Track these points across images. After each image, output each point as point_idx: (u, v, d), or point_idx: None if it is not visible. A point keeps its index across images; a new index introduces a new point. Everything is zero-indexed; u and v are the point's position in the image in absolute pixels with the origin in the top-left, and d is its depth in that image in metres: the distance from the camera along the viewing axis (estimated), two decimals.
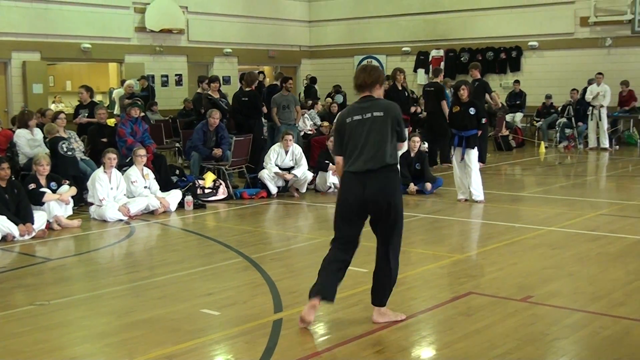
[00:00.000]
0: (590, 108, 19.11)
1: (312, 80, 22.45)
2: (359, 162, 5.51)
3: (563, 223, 9.54)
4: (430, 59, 23.81)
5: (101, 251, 8.80)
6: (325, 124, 16.50)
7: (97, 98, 20.23)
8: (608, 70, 19.69)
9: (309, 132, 16.36)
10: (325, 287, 5.54)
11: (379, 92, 5.70)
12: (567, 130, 19.89)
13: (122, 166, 11.22)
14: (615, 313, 5.82)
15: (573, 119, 19.73)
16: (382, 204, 5.51)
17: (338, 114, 5.77)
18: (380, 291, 5.70)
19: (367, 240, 8.64)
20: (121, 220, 10.23)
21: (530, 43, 22.10)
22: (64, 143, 11.33)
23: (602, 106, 19.00)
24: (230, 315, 5.98)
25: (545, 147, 19.23)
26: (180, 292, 6.67)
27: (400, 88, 13.74)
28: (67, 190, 10.15)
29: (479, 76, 15.65)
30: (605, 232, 8.99)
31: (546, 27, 21.76)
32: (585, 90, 19.63)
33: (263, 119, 14.99)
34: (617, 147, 19.52)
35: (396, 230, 5.64)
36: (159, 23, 21.22)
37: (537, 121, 21.00)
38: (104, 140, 12.41)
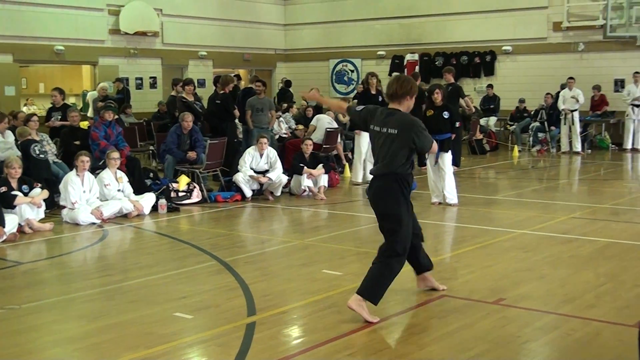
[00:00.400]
0: (563, 112, 19.29)
1: (287, 84, 22.44)
2: (374, 167, 6.04)
3: (535, 226, 9.62)
4: (405, 62, 23.91)
5: (73, 255, 8.73)
6: (300, 127, 16.51)
7: (71, 100, 20.12)
8: (580, 74, 19.91)
9: (284, 136, 16.35)
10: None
11: (408, 104, 5.93)
12: (540, 134, 20.06)
13: (95, 169, 11.15)
14: (585, 315, 5.87)
15: (546, 123, 19.90)
16: (375, 208, 5.95)
17: (376, 108, 6.03)
18: (365, 281, 5.81)
19: (340, 244, 8.68)
20: (94, 223, 10.15)
21: (504, 47, 22.28)
22: (36, 146, 11.24)
23: (574, 110, 19.18)
24: (203, 318, 5.96)
25: (519, 151, 19.38)
26: (153, 296, 6.63)
27: (374, 92, 13.77)
28: (39, 194, 10.06)
29: (452, 80, 15.74)
30: (576, 235, 9.07)
31: (520, 32, 21.95)
32: (558, 94, 19.83)
33: (238, 122, 14.96)
34: (589, 150, 19.72)
35: (391, 237, 5.81)
36: (133, 25, 21.11)
37: (511, 125, 21.17)
38: (77, 143, 12.33)
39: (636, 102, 19.08)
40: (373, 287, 5.77)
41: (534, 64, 21.79)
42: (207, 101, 14.87)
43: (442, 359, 5.01)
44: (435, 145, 6.13)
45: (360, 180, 13.75)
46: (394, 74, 6.06)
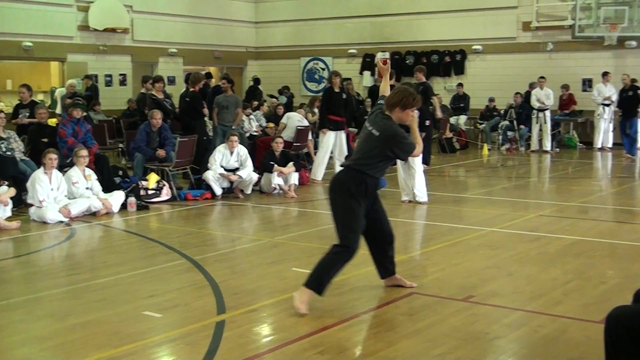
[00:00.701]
0: (535, 112, 19.46)
1: (256, 82, 22.35)
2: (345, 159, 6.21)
3: (504, 224, 9.69)
4: (376, 61, 23.97)
5: (41, 253, 8.63)
6: (271, 125, 16.47)
7: (39, 97, 19.88)
8: (549, 74, 20.10)
9: (255, 133, 16.31)
10: None
11: (398, 115, 6.04)
12: (510, 133, 20.22)
13: (63, 167, 11.03)
14: (553, 312, 5.93)
15: (515, 121, 20.07)
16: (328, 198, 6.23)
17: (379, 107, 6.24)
18: (313, 269, 5.95)
19: (309, 242, 8.68)
20: (62, 221, 10.05)
21: (474, 47, 22.42)
22: (2, 143, 11.12)
23: (546, 109, 19.37)
24: (172, 317, 5.93)
25: (488, 150, 19.52)
26: (121, 295, 6.58)
27: (337, 90, 13.85)
28: (6, 192, 9.95)
29: (424, 79, 15.77)
30: (544, 232, 9.15)
31: (490, 32, 22.11)
32: (528, 93, 20.02)
33: (208, 120, 14.90)
34: (558, 149, 19.92)
35: (337, 231, 6.04)
36: (102, 22, 20.93)
37: (481, 124, 21.31)
38: (45, 140, 12.19)
39: (606, 102, 19.29)
40: (317, 278, 5.90)
41: (503, 63, 21.97)
42: (179, 99, 14.80)
43: (411, 355, 5.03)
44: (419, 148, 6.20)
45: (320, 178, 13.79)
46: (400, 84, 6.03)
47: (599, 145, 19.56)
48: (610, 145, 19.61)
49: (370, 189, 6.06)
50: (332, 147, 13.85)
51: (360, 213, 6.02)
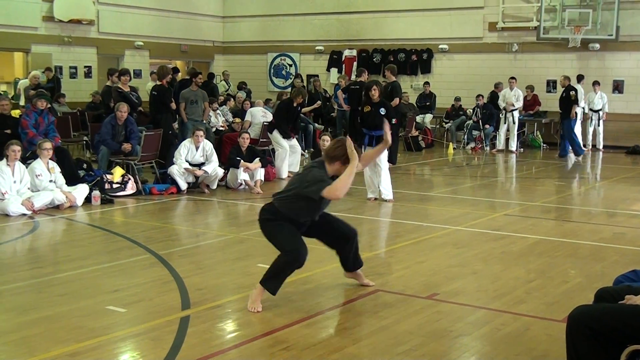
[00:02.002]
0: (504, 112, 19.63)
1: (210, 76, 22.04)
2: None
3: (469, 222, 9.77)
4: (343, 58, 24.02)
5: (2, 246, 8.50)
6: (237, 120, 16.41)
7: (2, 88, 19.63)
8: (514, 74, 20.27)
9: (221, 128, 16.25)
10: None
11: (334, 168, 5.98)
12: (475, 132, 20.38)
13: (26, 159, 10.88)
14: (516, 310, 5.99)
15: (480, 121, 20.23)
16: None
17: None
18: (268, 269, 6.04)
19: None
20: (24, 214, 9.92)
21: (440, 46, 22.56)
22: None
23: (515, 109, 19.58)
24: (136, 312, 5.89)
25: (454, 149, 19.65)
26: (85, 289, 6.52)
27: (295, 105, 14.16)
28: None
29: (393, 78, 15.87)
30: (508, 231, 9.25)
31: (456, 31, 22.28)
32: (493, 93, 20.20)
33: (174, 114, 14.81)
34: (522, 149, 20.13)
35: (275, 246, 6.20)
36: (68, 13, 20.70)
37: (446, 123, 21.46)
38: (8, 131, 12.00)
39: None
40: (270, 279, 5.95)
41: (469, 62, 22.15)
42: (148, 92, 14.70)
43: (376, 352, 5.05)
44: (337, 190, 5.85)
45: (285, 175, 13.82)
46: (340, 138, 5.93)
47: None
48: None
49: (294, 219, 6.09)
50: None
51: (289, 227, 6.06)
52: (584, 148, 18.84)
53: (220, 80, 23.39)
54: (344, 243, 6.44)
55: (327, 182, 5.83)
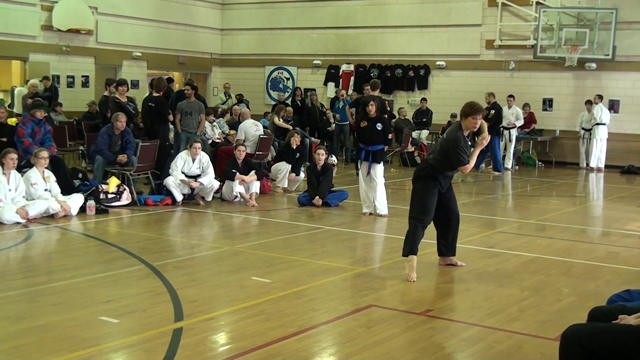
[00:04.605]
0: (502, 129, 19.68)
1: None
2: None
3: (463, 239, 9.74)
4: (340, 73, 24.08)
5: None
6: (233, 132, 16.43)
7: None
8: (511, 92, 20.38)
9: (217, 141, 16.26)
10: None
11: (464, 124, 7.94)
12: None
13: (21, 167, 10.88)
14: (509, 328, 6.00)
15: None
16: None
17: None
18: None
19: (270, 251, 8.67)
20: (19, 223, 9.90)
21: (438, 62, 22.66)
22: None
23: (513, 127, 19.66)
24: (129, 323, 5.88)
25: None
26: (78, 299, 6.50)
27: (294, 147, 14.05)
28: None
29: (373, 94, 15.83)
30: (502, 249, 9.26)
31: (454, 48, 22.38)
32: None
33: (171, 125, 14.81)
34: (517, 167, 20.18)
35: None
36: (66, 22, 20.73)
37: None
38: (4, 139, 12.01)
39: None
40: (405, 246, 7.69)
41: (466, 79, 22.22)
42: (142, 103, 14.69)
43: None
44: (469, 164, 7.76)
45: (285, 185, 13.85)
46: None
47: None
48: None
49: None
50: None
51: (426, 191, 7.67)
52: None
53: (218, 93, 23.36)
54: (451, 223, 7.93)
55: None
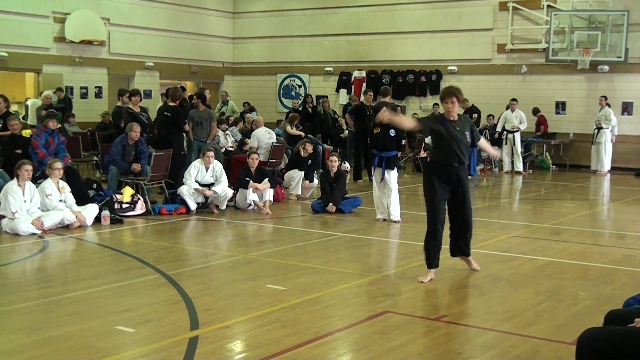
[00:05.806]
0: (505, 133, 19.68)
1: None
2: None
3: (477, 244, 9.72)
4: (352, 79, 24.11)
5: (12, 265, 8.54)
6: (248, 140, 16.45)
7: (13, 108, 19.73)
8: (523, 96, 20.37)
9: (230, 149, 16.29)
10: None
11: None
12: (484, 154, 20.36)
13: (36, 179, 10.94)
14: (525, 332, 5.97)
15: (489, 142, 20.20)
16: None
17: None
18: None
19: (284, 259, 8.68)
20: (34, 234, 9.96)
21: (449, 67, 22.64)
22: None
23: (516, 131, 19.61)
24: (145, 332, 5.89)
25: None
26: (94, 309, 6.53)
27: (304, 155, 14.08)
28: None
29: (382, 99, 15.84)
30: (517, 253, 9.23)
31: (465, 53, 22.36)
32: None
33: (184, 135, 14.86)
34: (531, 171, 20.13)
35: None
36: (79, 34, 20.87)
37: None
38: (18, 151, 12.08)
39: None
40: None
41: (478, 84, 22.17)
42: (157, 112, 14.74)
43: None
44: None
45: (298, 192, 13.86)
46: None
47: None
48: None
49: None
50: None
51: (434, 192, 7.83)
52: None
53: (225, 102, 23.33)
54: (462, 228, 8.00)
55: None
